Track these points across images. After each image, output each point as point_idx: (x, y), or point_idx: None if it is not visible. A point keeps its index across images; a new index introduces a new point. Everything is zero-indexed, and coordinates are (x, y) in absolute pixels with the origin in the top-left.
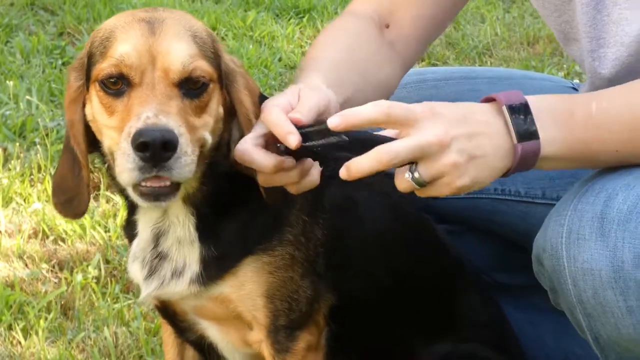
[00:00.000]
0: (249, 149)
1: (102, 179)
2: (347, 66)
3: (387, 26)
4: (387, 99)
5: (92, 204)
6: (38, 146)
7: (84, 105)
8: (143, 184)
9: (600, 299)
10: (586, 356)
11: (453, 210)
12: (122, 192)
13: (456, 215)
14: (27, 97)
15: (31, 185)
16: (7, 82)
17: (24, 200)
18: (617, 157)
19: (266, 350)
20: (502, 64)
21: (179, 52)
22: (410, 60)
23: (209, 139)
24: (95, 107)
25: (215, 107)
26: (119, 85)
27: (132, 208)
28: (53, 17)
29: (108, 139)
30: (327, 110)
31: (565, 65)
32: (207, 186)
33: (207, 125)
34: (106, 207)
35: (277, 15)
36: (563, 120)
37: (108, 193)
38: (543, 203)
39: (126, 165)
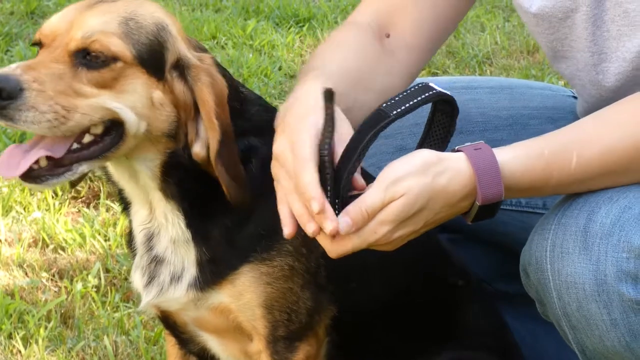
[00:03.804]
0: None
1: (102, 188)
2: (345, 78)
3: (388, 35)
4: None
5: (92, 212)
6: None
7: None
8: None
9: (585, 312)
10: None
11: (454, 219)
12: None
13: (457, 224)
14: None
15: (31, 194)
16: None
17: (24, 209)
18: (586, 190)
19: None
20: (502, 73)
21: (88, 25)
22: (413, 68)
23: (129, 117)
24: None
25: (138, 90)
26: None
27: (125, 206)
28: None
29: None
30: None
31: None
32: (172, 178)
33: (116, 100)
34: (106, 215)
35: (277, 24)
36: (535, 189)
37: (108, 202)
38: (544, 213)
39: None
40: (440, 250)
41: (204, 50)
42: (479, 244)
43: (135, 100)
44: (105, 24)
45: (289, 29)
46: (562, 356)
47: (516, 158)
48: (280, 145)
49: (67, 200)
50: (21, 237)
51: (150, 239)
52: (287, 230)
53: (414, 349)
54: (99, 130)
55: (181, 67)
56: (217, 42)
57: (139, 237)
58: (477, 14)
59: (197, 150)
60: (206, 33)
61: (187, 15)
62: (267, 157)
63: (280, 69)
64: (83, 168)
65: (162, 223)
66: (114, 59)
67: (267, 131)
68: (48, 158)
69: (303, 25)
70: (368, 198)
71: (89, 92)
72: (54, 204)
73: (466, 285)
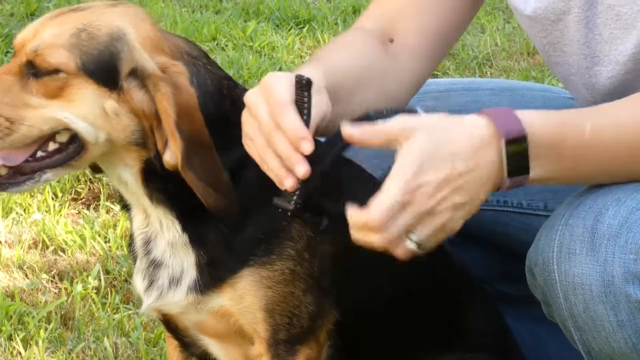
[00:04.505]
0: None
1: (102, 190)
2: (345, 73)
3: (392, 40)
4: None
5: (92, 214)
6: None
7: None
8: None
9: (591, 313)
10: None
11: None
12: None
13: None
14: None
15: (31, 196)
16: None
17: (24, 210)
18: (604, 176)
19: None
20: (502, 75)
21: (38, 37)
22: (418, 73)
23: (81, 126)
24: None
25: (87, 100)
26: None
27: (126, 208)
28: None
29: None
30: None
31: None
32: (154, 184)
33: (65, 110)
34: (106, 217)
35: (277, 26)
36: (554, 148)
37: (108, 203)
38: (545, 215)
39: None
40: (440, 251)
41: (195, 58)
42: (479, 245)
43: (85, 110)
44: (57, 35)
45: (289, 30)
46: (563, 356)
47: (531, 113)
48: (252, 96)
49: (67, 202)
50: (21, 239)
51: (147, 242)
52: (290, 181)
53: (415, 350)
54: (64, 138)
55: (140, 77)
56: (217, 44)
57: (137, 241)
58: (477, 16)
59: (167, 158)
60: (206, 34)
61: (187, 16)
62: None
63: (280, 70)
64: (47, 176)
65: (157, 228)
66: (56, 70)
67: None
68: (8, 166)
69: (303, 27)
70: (386, 124)
71: (38, 103)
72: (54, 206)
73: (467, 285)
